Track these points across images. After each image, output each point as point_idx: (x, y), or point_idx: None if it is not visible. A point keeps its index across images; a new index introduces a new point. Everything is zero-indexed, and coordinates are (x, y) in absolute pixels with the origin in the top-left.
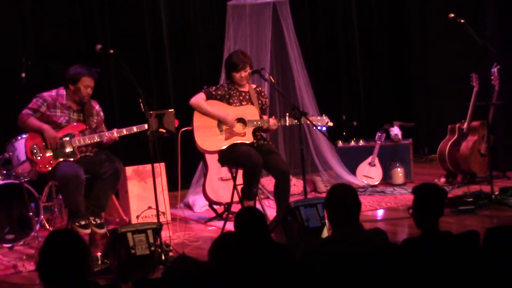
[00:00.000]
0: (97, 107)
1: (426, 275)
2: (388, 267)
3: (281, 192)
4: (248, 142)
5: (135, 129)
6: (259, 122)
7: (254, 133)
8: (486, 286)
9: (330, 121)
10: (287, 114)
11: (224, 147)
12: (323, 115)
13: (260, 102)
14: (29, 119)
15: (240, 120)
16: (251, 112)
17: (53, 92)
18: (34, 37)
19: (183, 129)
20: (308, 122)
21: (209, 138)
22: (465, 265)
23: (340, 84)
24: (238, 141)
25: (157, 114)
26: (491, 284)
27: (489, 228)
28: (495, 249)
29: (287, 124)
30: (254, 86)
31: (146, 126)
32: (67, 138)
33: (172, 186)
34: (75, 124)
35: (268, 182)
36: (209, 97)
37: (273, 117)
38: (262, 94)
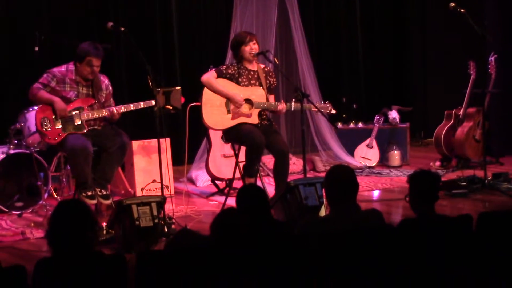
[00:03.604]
0: (106, 81)
1: (420, 255)
2: (384, 246)
3: (279, 171)
4: (253, 123)
5: (142, 104)
6: (265, 105)
7: (260, 114)
8: (478, 269)
9: (333, 109)
10: (293, 100)
11: (229, 126)
12: (327, 102)
13: (268, 81)
14: (40, 92)
15: (247, 101)
16: (258, 94)
17: (63, 68)
18: (48, 12)
19: (191, 104)
20: (313, 107)
21: (216, 116)
22: (458, 247)
23: (341, 67)
24: (243, 121)
25: (164, 91)
26: (483, 266)
27: (482, 213)
28: (487, 233)
29: (292, 109)
30: (262, 66)
31: (153, 102)
32: (76, 112)
33: (175, 160)
34: (84, 98)
35: (269, 160)
36: (219, 75)
37: (282, 101)
38: (270, 74)
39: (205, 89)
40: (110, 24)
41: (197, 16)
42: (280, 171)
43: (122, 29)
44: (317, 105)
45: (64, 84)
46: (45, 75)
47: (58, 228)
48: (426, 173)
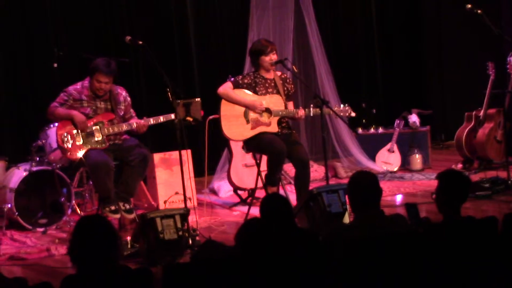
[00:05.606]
0: (123, 93)
1: (447, 259)
2: (410, 251)
3: (301, 181)
4: (273, 131)
5: (162, 118)
6: (284, 112)
7: (279, 122)
8: (504, 271)
9: (353, 111)
10: (312, 105)
11: (249, 136)
12: (346, 105)
13: (285, 89)
14: (57, 109)
15: (266, 110)
16: (276, 101)
17: (78, 85)
18: (66, 28)
19: (210, 117)
20: (332, 112)
21: (235, 127)
22: (484, 250)
23: (360, 73)
24: (263, 131)
25: (184, 103)
26: (509, 268)
27: (508, 214)
28: None
29: (311, 114)
30: (279, 73)
31: (172, 116)
32: (97, 127)
33: (197, 172)
34: (104, 113)
35: (290, 168)
36: (236, 86)
37: (301, 107)
38: (287, 80)
39: (223, 101)
40: (128, 38)
41: (214, 26)
42: (302, 180)
43: (140, 42)
44: (336, 109)
45: (81, 101)
46: (61, 94)
47: (80, 245)
48: (457, 173)
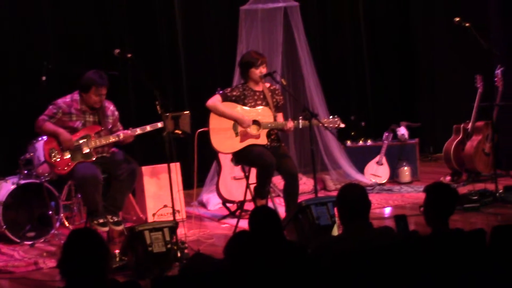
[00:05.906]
0: (111, 107)
1: (435, 272)
2: (398, 264)
3: (290, 193)
4: (262, 144)
5: (148, 128)
6: (273, 125)
7: (268, 134)
8: (492, 283)
9: (342, 122)
10: (301, 117)
11: (238, 149)
12: (335, 116)
13: (274, 100)
14: (45, 124)
15: (255, 122)
16: (265, 114)
17: (68, 98)
18: (55, 41)
19: (199, 130)
20: (321, 124)
21: (224, 140)
22: (473, 263)
23: (349, 86)
24: (252, 143)
25: (173, 116)
26: (497, 281)
27: (496, 227)
28: (501, 247)
29: (300, 127)
30: (268, 85)
31: (159, 124)
32: (84, 140)
33: (186, 185)
34: (91, 126)
35: (279, 181)
36: (225, 99)
37: (290, 119)
38: (276, 92)
39: (212, 114)
40: (117, 51)
41: (203, 38)
42: (291, 192)
43: (129, 55)
44: (325, 120)
45: (70, 115)
46: (50, 107)
47: (70, 258)
48: (444, 186)
